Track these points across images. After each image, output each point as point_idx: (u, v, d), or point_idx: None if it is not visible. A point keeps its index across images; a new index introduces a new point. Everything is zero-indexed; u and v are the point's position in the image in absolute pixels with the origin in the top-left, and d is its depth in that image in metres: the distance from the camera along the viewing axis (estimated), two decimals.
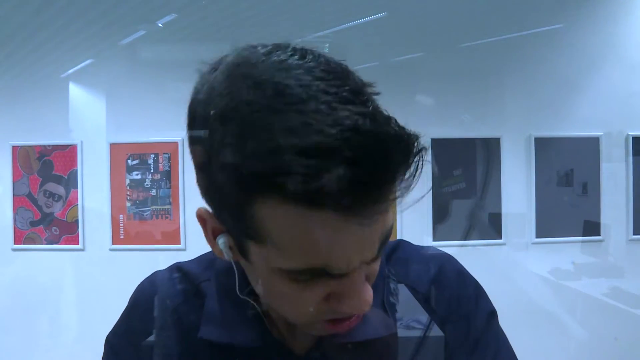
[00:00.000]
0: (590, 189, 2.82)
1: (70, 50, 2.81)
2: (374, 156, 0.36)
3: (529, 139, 2.81)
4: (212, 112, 0.41)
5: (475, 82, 2.79)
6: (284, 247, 0.40)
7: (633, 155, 2.84)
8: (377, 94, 0.41)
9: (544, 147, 2.81)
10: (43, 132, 2.82)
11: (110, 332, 0.61)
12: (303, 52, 0.41)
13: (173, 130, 2.77)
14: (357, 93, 0.38)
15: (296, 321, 0.48)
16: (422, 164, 0.39)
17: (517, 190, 2.81)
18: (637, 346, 2.70)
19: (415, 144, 0.38)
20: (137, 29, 2.73)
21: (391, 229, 0.43)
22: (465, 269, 0.63)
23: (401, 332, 0.55)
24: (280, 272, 0.42)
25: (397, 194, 0.40)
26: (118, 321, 0.62)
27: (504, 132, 2.81)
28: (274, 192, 0.37)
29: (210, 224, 0.48)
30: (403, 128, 0.38)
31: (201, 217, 0.49)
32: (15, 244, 2.83)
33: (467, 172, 2.81)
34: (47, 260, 2.80)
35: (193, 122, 0.46)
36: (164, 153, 2.79)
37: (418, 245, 0.65)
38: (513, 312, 2.73)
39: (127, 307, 0.62)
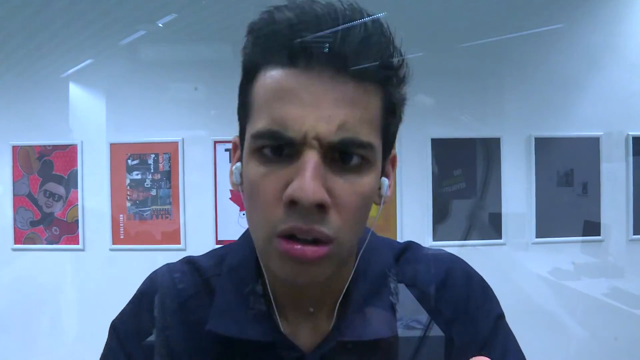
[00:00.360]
0: (590, 189, 2.82)
1: (71, 50, 2.81)
2: (323, 26, 0.44)
3: (529, 139, 2.81)
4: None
5: (476, 82, 2.79)
6: (258, 108, 0.47)
7: (633, 155, 2.84)
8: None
9: (544, 147, 2.81)
10: (43, 132, 2.82)
11: (117, 319, 0.61)
12: None
13: (173, 130, 2.78)
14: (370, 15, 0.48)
15: (259, 235, 0.49)
16: (369, 45, 0.46)
17: (517, 190, 2.81)
18: (637, 346, 2.70)
19: (386, 55, 0.48)
20: (137, 29, 2.73)
21: (358, 146, 0.46)
22: (474, 271, 0.64)
23: (401, 332, 0.55)
24: (253, 151, 0.47)
25: (350, 78, 0.45)
26: (125, 309, 0.62)
27: (504, 132, 2.81)
28: (261, 64, 0.47)
29: (237, 155, 0.54)
30: (389, 43, 0.49)
31: (235, 144, 0.55)
32: (15, 244, 2.83)
33: (467, 172, 2.81)
34: (47, 260, 2.80)
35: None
36: (164, 153, 2.79)
37: (427, 248, 0.65)
38: (513, 312, 2.72)
39: (135, 296, 0.62)
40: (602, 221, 2.82)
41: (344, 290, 0.54)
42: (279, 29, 0.45)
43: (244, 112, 0.50)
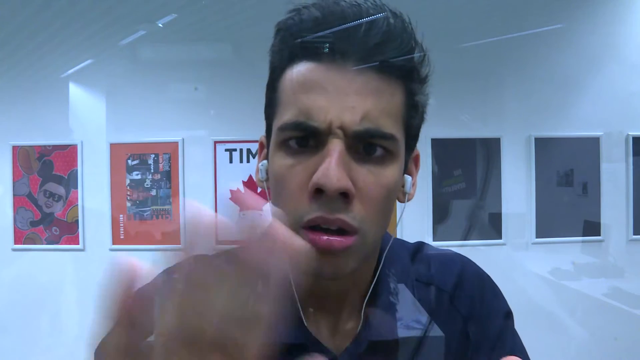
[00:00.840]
0: (590, 189, 2.82)
1: (70, 50, 2.81)
2: (348, 19, 0.47)
3: (529, 139, 2.81)
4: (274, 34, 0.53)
5: (476, 82, 2.79)
6: (285, 102, 0.49)
7: (633, 155, 2.84)
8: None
9: (544, 147, 2.81)
10: (43, 132, 2.82)
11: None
12: None
13: (173, 130, 2.78)
14: (394, 12, 0.52)
15: (287, 224, 0.49)
16: (408, 53, 0.49)
17: (517, 190, 2.82)
18: (637, 346, 2.70)
19: (407, 50, 0.49)
20: (137, 29, 2.73)
21: (383, 137, 0.47)
22: (483, 270, 0.67)
23: (401, 332, 0.56)
24: (280, 143, 0.49)
25: (373, 71, 0.47)
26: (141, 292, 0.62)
27: (504, 132, 2.81)
28: (288, 61, 0.48)
29: (263, 153, 0.55)
30: (411, 37, 0.51)
31: (261, 143, 0.57)
32: (15, 244, 2.83)
33: (467, 172, 2.81)
34: (47, 261, 2.80)
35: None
36: (164, 153, 2.79)
37: (437, 247, 0.68)
38: (513, 313, 2.73)
39: (152, 284, 0.61)
40: (602, 221, 2.82)
41: (371, 289, 0.54)
42: (305, 26, 0.47)
43: (271, 109, 0.52)
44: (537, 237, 2.81)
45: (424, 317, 0.57)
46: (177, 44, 2.81)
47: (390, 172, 0.48)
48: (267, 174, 0.52)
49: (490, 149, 2.82)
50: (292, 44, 0.48)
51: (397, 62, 0.47)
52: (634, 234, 2.84)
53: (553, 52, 2.81)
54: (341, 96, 0.45)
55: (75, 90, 2.83)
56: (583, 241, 2.83)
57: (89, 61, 2.82)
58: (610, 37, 2.84)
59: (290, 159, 0.47)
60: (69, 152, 2.82)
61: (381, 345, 0.53)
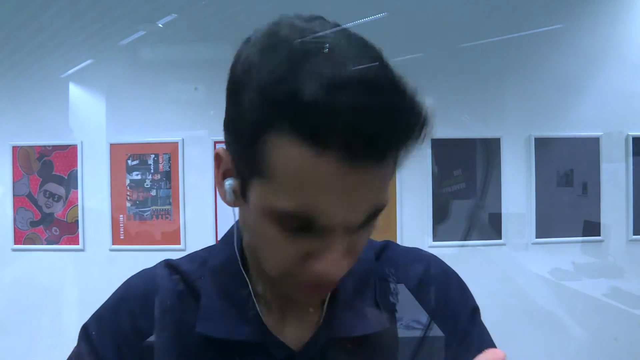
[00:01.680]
0: (590, 189, 2.82)
1: (70, 50, 2.81)
2: (385, 115, 0.39)
3: (529, 139, 2.81)
4: (251, 46, 0.45)
5: (475, 82, 2.79)
6: (282, 183, 0.42)
7: (633, 155, 2.84)
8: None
9: (544, 148, 2.81)
10: (43, 133, 2.82)
11: (91, 322, 0.60)
12: (330, 22, 0.46)
13: (173, 130, 2.78)
14: (379, 55, 0.44)
15: (272, 273, 0.49)
16: (424, 139, 0.43)
17: (517, 190, 2.82)
18: (637, 346, 2.70)
19: (425, 118, 0.43)
20: (137, 29, 2.73)
21: (380, 210, 0.45)
22: (450, 267, 0.66)
23: (401, 332, 0.56)
24: (272, 215, 0.43)
25: (395, 160, 0.43)
26: (101, 314, 0.60)
27: (504, 132, 2.81)
28: (286, 123, 0.39)
29: (224, 166, 0.50)
30: (417, 100, 0.43)
31: (218, 155, 0.50)
32: (15, 244, 2.83)
33: (467, 173, 2.81)
34: (47, 261, 2.80)
35: (235, 63, 0.48)
36: (164, 153, 2.79)
37: (404, 246, 0.67)
38: (513, 313, 2.73)
39: (112, 301, 0.61)
40: (602, 221, 2.82)
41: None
42: (338, 110, 0.38)
43: (251, 157, 0.43)
44: (537, 237, 2.81)
45: (384, 315, 0.57)
46: (177, 44, 2.81)
47: (378, 218, 0.47)
48: (234, 193, 0.48)
49: (490, 149, 2.82)
50: (303, 119, 0.39)
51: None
52: (634, 234, 2.84)
53: (553, 52, 2.81)
54: (349, 196, 0.42)
55: (75, 91, 2.83)
56: (583, 241, 2.83)
57: (89, 61, 2.82)
58: (610, 37, 2.84)
59: (284, 232, 0.44)
60: (69, 152, 2.82)
61: (340, 343, 0.53)
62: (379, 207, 0.44)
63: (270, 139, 0.41)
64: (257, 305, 0.54)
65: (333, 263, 0.44)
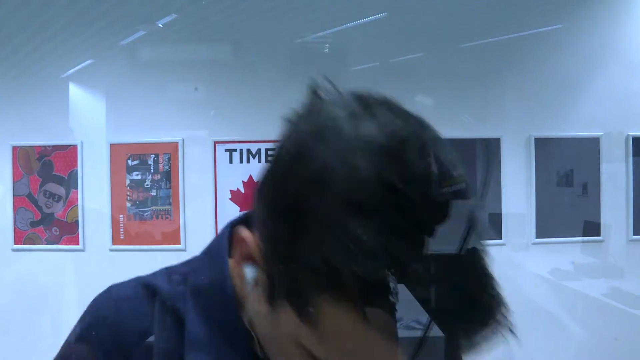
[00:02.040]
0: (590, 189, 2.82)
1: (71, 50, 2.81)
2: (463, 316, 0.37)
3: (529, 140, 2.81)
4: (320, 144, 0.37)
5: (475, 82, 2.79)
6: (328, 342, 0.38)
7: (633, 155, 2.84)
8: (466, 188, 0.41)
9: (544, 148, 2.81)
10: (43, 133, 2.82)
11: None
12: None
13: (173, 130, 2.78)
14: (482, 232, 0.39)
15: None
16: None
17: (517, 190, 2.81)
18: (637, 346, 2.70)
19: (498, 317, 0.40)
20: (137, 29, 2.73)
21: None
22: None
23: (401, 333, 0.56)
24: (305, 350, 0.40)
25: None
26: (66, 350, 0.55)
27: (504, 132, 2.81)
28: (345, 293, 0.35)
29: (248, 249, 0.44)
30: (497, 293, 0.40)
31: (242, 238, 0.45)
32: (15, 244, 2.83)
33: (467, 173, 2.80)
34: (47, 261, 2.80)
35: (292, 157, 0.40)
36: (164, 153, 2.79)
37: None
38: (513, 313, 2.73)
39: (78, 333, 0.55)
40: (602, 221, 2.82)
41: None
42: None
43: (289, 274, 0.39)
44: (537, 238, 2.81)
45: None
46: (177, 44, 2.81)
47: None
48: (255, 288, 0.44)
49: (490, 149, 2.82)
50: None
51: None
52: (634, 234, 2.84)
53: (553, 52, 2.81)
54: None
55: (75, 91, 2.83)
56: (583, 241, 2.83)
57: (89, 61, 2.82)
58: (610, 37, 2.84)
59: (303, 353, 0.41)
60: (69, 153, 2.82)
61: None
62: None
63: (327, 298, 0.36)
64: (246, 330, 0.51)
65: None
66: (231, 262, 0.52)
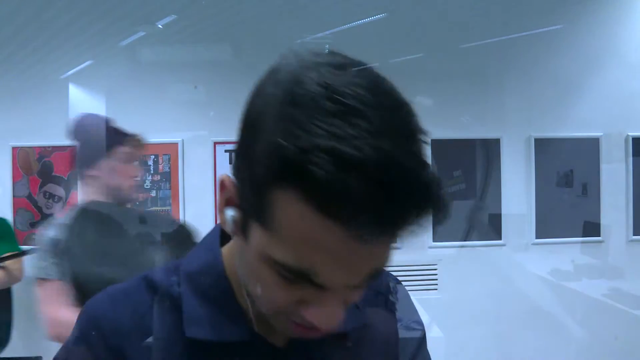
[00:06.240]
0: (590, 190, 2.82)
1: (70, 51, 2.81)
2: (401, 193, 0.38)
3: (529, 140, 2.81)
4: (274, 85, 0.43)
5: (475, 83, 2.79)
6: (286, 238, 0.41)
7: (633, 156, 2.84)
8: (425, 138, 0.45)
9: (544, 148, 2.81)
10: (43, 133, 2.81)
11: (60, 356, 0.58)
12: (364, 70, 0.43)
13: (173, 131, 2.78)
14: (407, 127, 0.42)
15: (264, 310, 0.50)
16: (441, 219, 0.42)
17: (517, 191, 2.82)
18: (637, 346, 2.70)
19: (443, 198, 0.41)
20: (137, 30, 2.73)
21: (382, 269, 0.45)
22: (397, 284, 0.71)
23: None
24: (270, 262, 0.43)
25: (404, 234, 0.41)
26: (66, 349, 0.57)
27: (503, 133, 2.81)
28: (297, 185, 0.38)
29: (227, 193, 0.49)
30: (437, 180, 0.41)
31: (223, 183, 0.49)
32: None
33: (467, 173, 2.81)
34: None
35: (254, 96, 0.47)
36: (163, 154, 2.79)
37: None
38: (513, 313, 2.73)
39: (76, 332, 0.57)
40: (602, 222, 2.82)
41: None
42: (348, 190, 0.37)
43: (255, 197, 0.43)
44: (537, 238, 2.81)
45: (364, 315, 0.59)
46: (177, 45, 2.81)
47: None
48: (234, 225, 0.48)
49: (490, 149, 2.82)
50: (329, 195, 0.37)
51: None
52: (634, 235, 2.84)
53: (553, 53, 2.81)
54: (351, 263, 0.42)
55: (75, 91, 2.83)
56: (583, 242, 2.83)
57: (88, 62, 2.82)
58: (610, 37, 2.84)
59: (280, 279, 0.44)
60: (68, 153, 2.82)
61: (323, 338, 0.53)
62: (380, 268, 0.45)
63: (277, 192, 0.40)
64: (240, 306, 0.55)
65: (328, 316, 0.45)
66: (224, 249, 0.57)
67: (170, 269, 0.58)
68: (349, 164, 0.36)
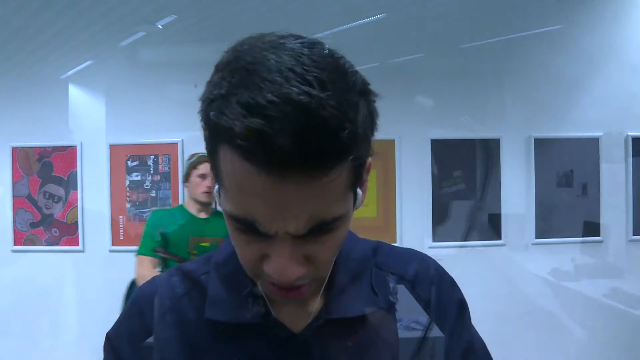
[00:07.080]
0: (590, 190, 2.82)
1: (70, 51, 2.81)
2: (300, 128, 0.40)
3: (529, 140, 2.81)
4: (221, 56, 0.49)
5: (475, 83, 2.79)
6: (230, 190, 0.46)
7: (633, 156, 2.84)
8: (373, 97, 0.47)
9: (544, 148, 2.81)
10: (43, 134, 2.82)
11: (111, 330, 0.64)
12: (304, 40, 0.45)
13: (173, 131, 2.78)
14: (323, 81, 0.42)
15: (248, 274, 0.53)
16: (346, 160, 0.43)
17: (517, 191, 2.82)
18: (637, 346, 2.70)
19: (345, 137, 0.42)
20: (137, 30, 2.73)
21: (332, 221, 0.46)
22: (441, 265, 0.69)
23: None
24: (229, 217, 0.48)
25: (316, 173, 0.42)
26: (118, 321, 0.65)
27: (503, 133, 2.81)
28: (226, 139, 0.43)
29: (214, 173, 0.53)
30: (342, 118, 0.42)
31: (210, 166, 0.54)
32: (15, 245, 2.83)
33: (467, 173, 2.81)
34: (47, 262, 2.80)
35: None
36: (163, 154, 2.79)
37: (397, 245, 0.71)
38: (513, 313, 2.73)
39: (127, 307, 0.65)
40: (602, 222, 2.82)
41: (328, 275, 0.56)
42: (257, 135, 0.40)
43: (212, 162, 0.49)
44: (536, 238, 2.81)
45: (379, 299, 0.60)
46: (177, 45, 2.81)
47: (342, 232, 0.49)
48: (219, 199, 0.51)
49: (489, 149, 2.82)
50: (247, 144, 0.41)
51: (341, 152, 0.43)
52: (634, 235, 2.84)
53: (553, 53, 2.81)
54: (283, 206, 0.43)
55: (75, 92, 2.84)
56: (583, 242, 2.83)
57: (88, 62, 2.82)
58: (610, 38, 2.84)
59: (241, 234, 0.48)
60: (68, 154, 2.82)
61: (338, 323, 0.57)
62: (326, 218, 0.45)
63: (220, 151, 0.45)
64: (262, 294, 0.57)
65: (282, 266, 0.46)
66: None
67: (202, 260, 0.66)
68: (254, 110, 0.40)
